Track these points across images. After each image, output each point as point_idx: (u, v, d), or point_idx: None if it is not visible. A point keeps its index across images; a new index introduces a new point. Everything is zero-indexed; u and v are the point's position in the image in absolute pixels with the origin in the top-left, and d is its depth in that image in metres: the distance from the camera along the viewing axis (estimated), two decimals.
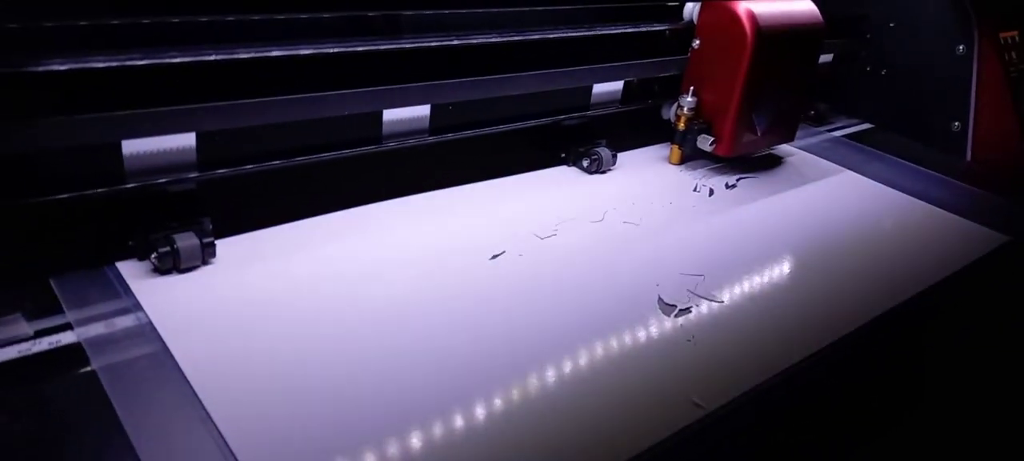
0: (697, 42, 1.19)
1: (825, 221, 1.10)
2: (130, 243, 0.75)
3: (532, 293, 0.82)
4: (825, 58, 1.54)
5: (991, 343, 1.04)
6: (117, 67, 0.70)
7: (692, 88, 1.19)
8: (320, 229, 0.87)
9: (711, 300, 0.85)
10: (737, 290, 0.88)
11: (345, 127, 0.89)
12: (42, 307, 0.67)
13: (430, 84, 0.91)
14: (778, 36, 1.15)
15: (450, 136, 1.00)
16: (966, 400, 1.01)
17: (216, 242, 0.78)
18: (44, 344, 0.64)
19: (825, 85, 1.56)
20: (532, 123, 1.10)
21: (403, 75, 0.89)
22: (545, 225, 0.95)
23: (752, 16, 1.13)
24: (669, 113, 1.23)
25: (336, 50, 0.83)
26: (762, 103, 1.19)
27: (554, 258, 0.89)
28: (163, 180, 0.76)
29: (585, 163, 1.13)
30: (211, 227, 0.79)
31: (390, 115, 0.92)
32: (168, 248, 0.74)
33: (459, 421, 0.62)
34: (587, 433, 0.63)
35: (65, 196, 0.71)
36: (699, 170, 1.22)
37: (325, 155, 0.87)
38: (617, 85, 1.18)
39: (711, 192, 1.14)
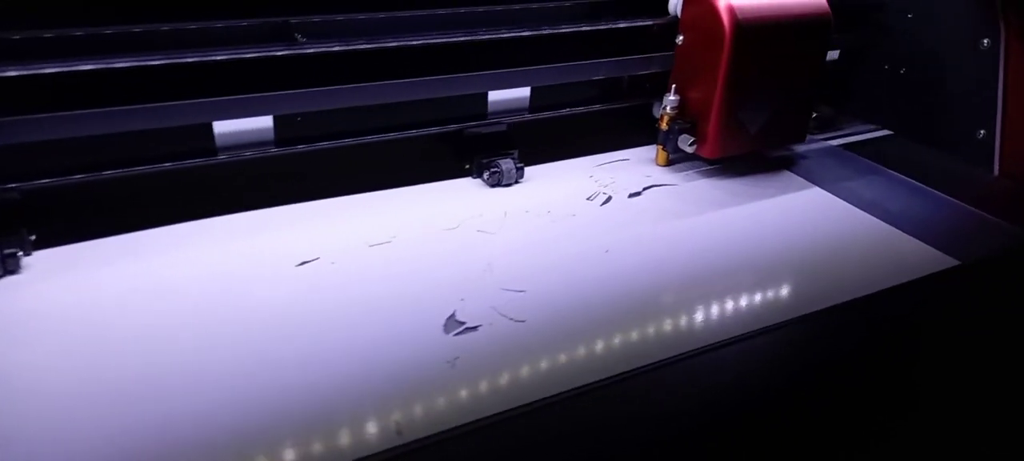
0: (680, 38, 1.12)
1: (722, 239, 0.96)
2: None
3: (328, 307, 0.78)
4: (832, 55, 1.36)
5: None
6: None
7: (674, 86, 1.12)
8: (138, 244, 0.87)
9: (513, 319, 0.76)
10: (547, 309, 0.79)
11: (180, 138, 0.88)
12: None
13: (272, 94, 0.88)
14: (767, 29, 1.06)
15: (324, 145, 0.97)
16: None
17: (23, 255, 0.79)
18: None
19: (832, 86, 1.37)
20: (433, 131, 1.04)
21: (242, 85, 0.87)
22: (384, 235, 0.91)
23: (731, 9, 1.04)
24: (658, 111, 1.18)
25: (159, 63, 0.82)
26: (752, 102, 1.10)
27: (369, 270, 0.84)
28: None
29: (485, 175, 1.05)
30: (33, 239, 0.81)
31: (238, 125, 0.91)
32: None
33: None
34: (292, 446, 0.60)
35: None
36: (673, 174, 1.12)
37: (153, 167, 0.87)
38: (524, 92, 1.10)
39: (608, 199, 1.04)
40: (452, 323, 0.76)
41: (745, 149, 1.15)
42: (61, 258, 0.83)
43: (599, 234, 0.95)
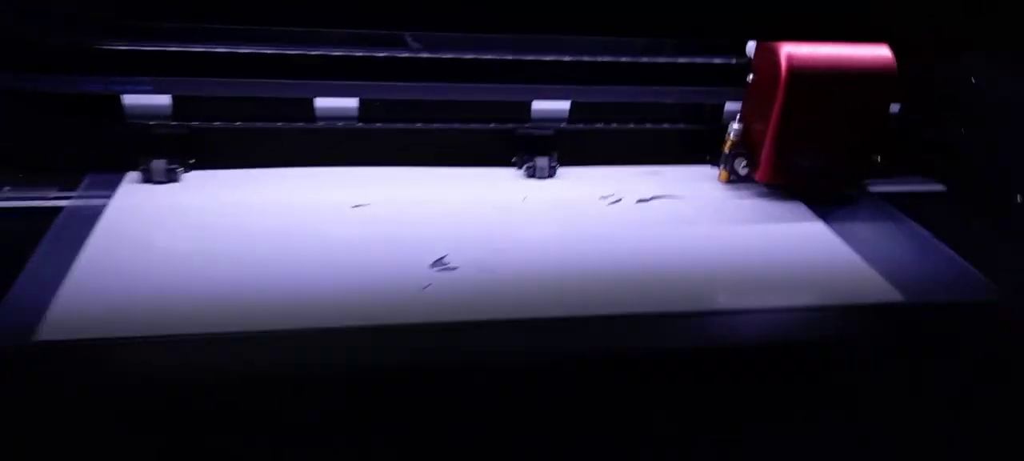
0: (751, 76, 1.32)
1: (690, 245, 1.14)
2: None
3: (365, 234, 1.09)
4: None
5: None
6: None
7: (738, 115, 1.34)
8: (258, 176, 1.24)
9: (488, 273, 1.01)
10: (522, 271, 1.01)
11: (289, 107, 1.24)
12: None
13: None
14: (824, 77, 1.24)
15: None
16: None
17: (182, 171, 1.19)
18: None
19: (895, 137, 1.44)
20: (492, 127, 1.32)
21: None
22: (427, 196, 1.21)
23: (790, 58, 1.23)
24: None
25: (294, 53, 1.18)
26: (805, 140, 1.27)
27: (401, 217, 1.15)
28: None
29: (523, 168, 1.32)
30: (191, 162, 1.20)
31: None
32: None
33: None
34: None
35: None
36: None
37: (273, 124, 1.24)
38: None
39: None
40: (439, 262, 1.03)
41: (795, 182, 1.30)
42: (205, 177, 1.22)
43: (584, 221, 1.18)
